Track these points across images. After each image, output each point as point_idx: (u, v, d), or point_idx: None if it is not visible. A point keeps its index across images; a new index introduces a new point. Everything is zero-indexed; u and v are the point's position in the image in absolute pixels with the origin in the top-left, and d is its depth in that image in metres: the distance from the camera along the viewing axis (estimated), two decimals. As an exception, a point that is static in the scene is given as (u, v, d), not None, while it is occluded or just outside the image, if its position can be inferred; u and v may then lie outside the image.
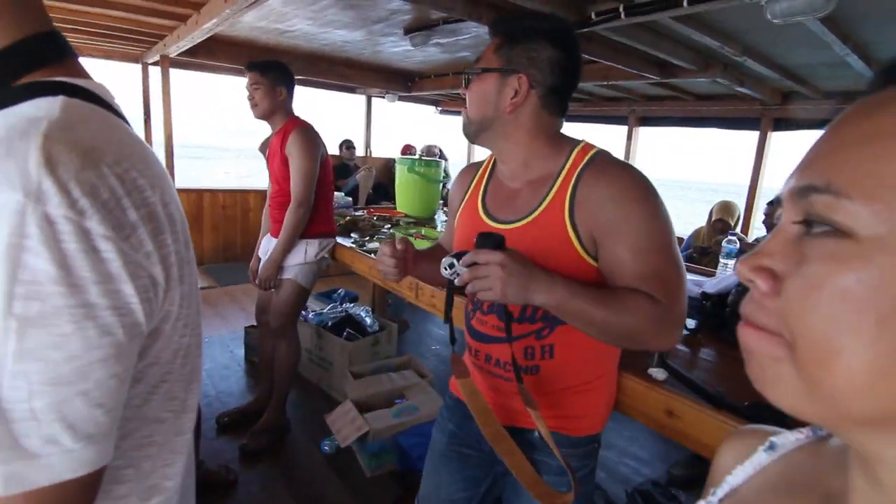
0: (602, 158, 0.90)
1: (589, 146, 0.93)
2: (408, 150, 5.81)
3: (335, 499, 2.03)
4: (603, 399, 1.02)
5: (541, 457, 0.99)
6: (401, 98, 5.64)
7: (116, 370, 0.41)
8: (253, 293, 2.36)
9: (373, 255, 2.22)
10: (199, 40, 3.10)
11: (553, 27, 0.91)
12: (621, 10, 1.96)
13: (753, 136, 3.95)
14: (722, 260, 2.09)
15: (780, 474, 0.40)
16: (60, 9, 2.82)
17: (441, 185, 3.48)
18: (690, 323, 1.49)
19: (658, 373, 1.12)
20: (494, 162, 1.06)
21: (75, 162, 0.38)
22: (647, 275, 0.83)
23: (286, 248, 2.18)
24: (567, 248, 0.88)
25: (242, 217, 5.42)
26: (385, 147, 7.70)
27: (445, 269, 0.82)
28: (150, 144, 4.13)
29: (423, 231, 2.61)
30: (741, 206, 3.50)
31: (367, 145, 6.44)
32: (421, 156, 4.78)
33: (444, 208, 3.60)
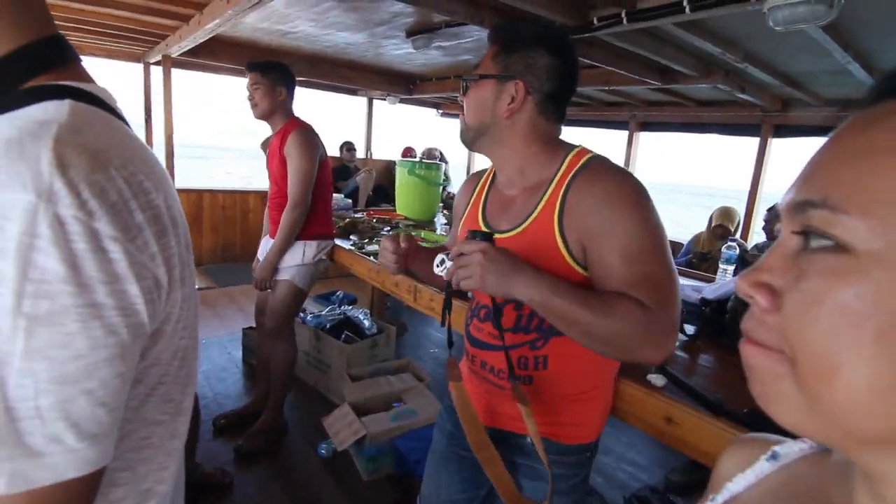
0: (595, 164, 0.89)
1: (584, 152, 0.91)
2: (408, 152, 5.82)
3: (332, 503, 2.02)
4: (598, 409, 1.00)
5: (532, 462, 0.99)
6: (402, 100, 5.65)
7: (120, 370, 0.41)
8: (251, 294, 2.36)
9: (372, 258, 2.22)
10: (201, 41, 3.11)
11: (550, 35, 0.92)
12: (623, 15, 1.97)
13: (754, 141, 3.96)
14: (721, 266, 2.09)
15: (783, 484, 0.40)
16: (64, 7, 2.82)
17: (441, 188, 3.48)
18: (689, 329, 1.49)
19: (657, 379, 1.12)
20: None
21: (85, 164, 0.39)
22: (637, 280, 0.81)
23: (282, 250, 2.18)
24: (554, 256, 0.87)
25: (242, 218, 5.42)
26: (386, 149, 7.71)
27: (437, 265, 0.84)
28: (151, 144, 4.16)
29: (423, 234, 2.60)
30: (741, 211, 3.50)
31: (368, 147, 6.45)
32: (421, 158, 4.78)
33: (444, 211, 3.60)
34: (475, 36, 2.77)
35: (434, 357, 3.53)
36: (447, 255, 0.84)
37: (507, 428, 1.01)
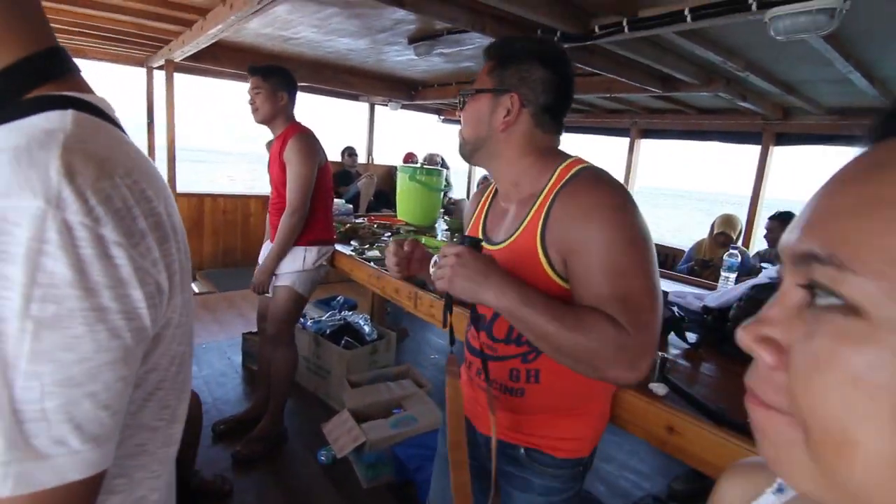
0: (584, 175, 0.87)
1: (576, 163, 0.90)
2: (410, 158, 5.83)
3: (330, 509, 2.01)
4: (592, 424, 0.99)
5: (524, 474, 0.99)
6: (404, 106, 5.67)
7: (123, 373, 0.42)
8: (252, 299, 2.36)
9: (372, 264, 2.22)
10: (203, 46, 3.12)
11: (544, 49, 0.93)
12: (624, 23, 1.98)
13: (755, 148, 3.97)
14: (723, 273, 2.09)
15: None
16: (67, 12, 2.84)
17: (442, 193, 3.48)
18: (691, 337, 1.48)
19: (659, 388, 1.11)
20: None
21: (92, 172, 0.40)
22: (611, 297, 0.78)
23: (279, 255, 2.17)
24: (536, 270, 0.87)
25: (243, 222, 5.42)
26: (387, 155, 7.73)
27: (432, 265, 0.87)
28: (153, 148, 4.15)
29: (424, 239, 2.60)
30: (742, 218, 3.51)
31: (370, 153, 6.46)
32: (423, 164, 4.79)
33: (445, 217, 3.60)
34: (477, 43, 2.79)
35: (434, 363, 3.52)
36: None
37: (502, 438, 1.01)
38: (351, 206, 3.95)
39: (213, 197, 5.27)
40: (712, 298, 1.64)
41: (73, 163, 0.40)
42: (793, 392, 0.25)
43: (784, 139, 3.86)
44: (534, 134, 0.94)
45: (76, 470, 0.39)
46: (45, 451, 0.38)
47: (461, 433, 0.96)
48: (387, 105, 5.75)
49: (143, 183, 0.45)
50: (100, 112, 0.47)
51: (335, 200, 2.74)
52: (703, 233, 3.53)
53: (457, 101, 1.02)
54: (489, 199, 1.08)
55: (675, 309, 1.53)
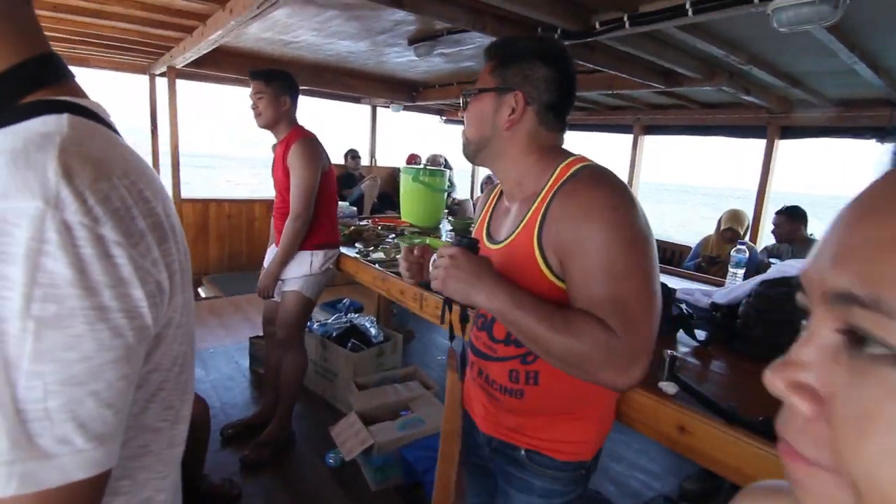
0: (583, 174, 0.86)
1: (577, 161, 0.89)
2: (413, 159, 5.83)
3: (339, 513, 2.01)
4: (594, 428, 0.98)
5: (526, 476, 0.98)
6: (405, 108, 5.67)
7: (125, 372, 0.42)
8: (258, 303, 2.36)
9: (377, 266, 2.21)
10: (205, 51, 3.13)
11: (545, 47, 0.93)
12: (625, 19, 1.96)
13: (760, 143, 3.93)
14: (731, 269, 2.07)
15: None
16: (70, 21, 2.86)
17: (446, 194, 3.47)
18: (700, 334, 1.47)
19: (668, 387, 1.10)
20: None
21: (90, 173, 0.40)
22: (604, 301, 0.77)
23: (284, 260, 2.17)
24: (533, 270, 0.86)
25: (248, 227, 5.44)
26: (390, 156, 7.74)
27: (430, 266, 0.90)
28: (157, 154, 4.18)
29: (428, 240, 2.59)
30: (749, 213, 3.48)
31: (372, 155, 6.46)
32: (426, 165, 4.78)
33: (449, 217, 3.59)
34: (477, 43, 2.78)
35: (441, 364, 3.51)
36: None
37: (503, 438, 1.01)
38: (355, 208, 3.96)
39: (218, 202, 5.29)
40: (720, 295, 1.62)
41: (71, 164, 0.40)
42: (839, 450, 0.23)
43: (789, 132, 3.83)
44: (538, 132, 0.94)
45: (81, 469, 0.39)
46: (49, 451, 0.38)
47: (454, 424, 0.97)
48: (388, 107, 5.75)
49: (141, 184, 0.46)
50: (95, 116, 0.48)
51: (339, 203, 2.73)
52: (707, 228, 3.51)
53: (459, 101, 1.02)
54: (495, 199, 1.08)
55: (684, 306, 1.51)
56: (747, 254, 2.09)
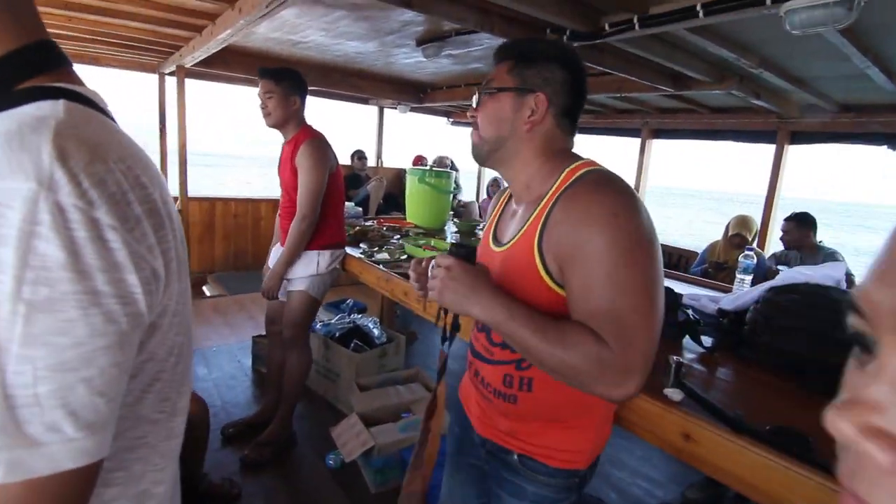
0: (589, 178, 0.84)
1: (583, 165, 0.88)
2: (419, 160, 5.82)
3: (339, 514, 1.99)
4: (588, 438, 0.96)
5: (517, 480, 0.97)
6: (412, 109, 5.67)
7: (118, 359, 0.41)
8: (262, 302, 2.36)
9: (381, 266, 2.20)
10: (214, 51, 3.14)
11: (563, 50, 0.93)
12: (635, 21, 1.95)
13: (769, 147, 3.89)
14: (739, 275, 2.04)
15: None
16: (82, 20, 2.88)
17: (451, 196, 3.46)
18: (707, 341, 1.44)
19: (674, 393, 1.08)
20: None
21: (85, 156, 0.40)
22: (597, 312, 0.76)
23: (289, 261, 2.16)
24: (533, 275, 0.85)
25: (254, 226, 5.45)
26: (396, 157, 7.73)
27: (430, 270, 0.89)
28: (165, 153, 4.21)
29: (433, 242, 2.58)
30: (757, 219, 3.44)
31: (379, 156, 6.47)
32: (432, 167, 4.78)
33: (455, 220, 3.58)
34: (485, 44, 2.77)
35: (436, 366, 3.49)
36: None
37: (497, 441, 1.00)
38: (360, 208, 3.95)
39: (225, 201, 5.31)
40: (728, 301, 1.60)
41: (66, 146, 0.39)
42: None
43: (799, 137, 3.78)
44: (554, 135, 0.93)
45: (71, 458, 0.38)
46: (38, 438, 0.37)
47: (435, 425, 1.00)
48: (396, 108, 5.75)
49: (138, 169, 0.45)
50: (91, 104, 0.47)
51: (345, 203, 2.72)
52: (711, 232, 3.48)
53: (466, 103, 1.01)
54: (505, 201, 1.07)
55: (690, 312, 1.49)
56: (755, 260, 2.06)
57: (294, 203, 2.17)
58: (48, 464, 0.37)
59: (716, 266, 3.15)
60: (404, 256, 2.41)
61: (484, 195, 5.93)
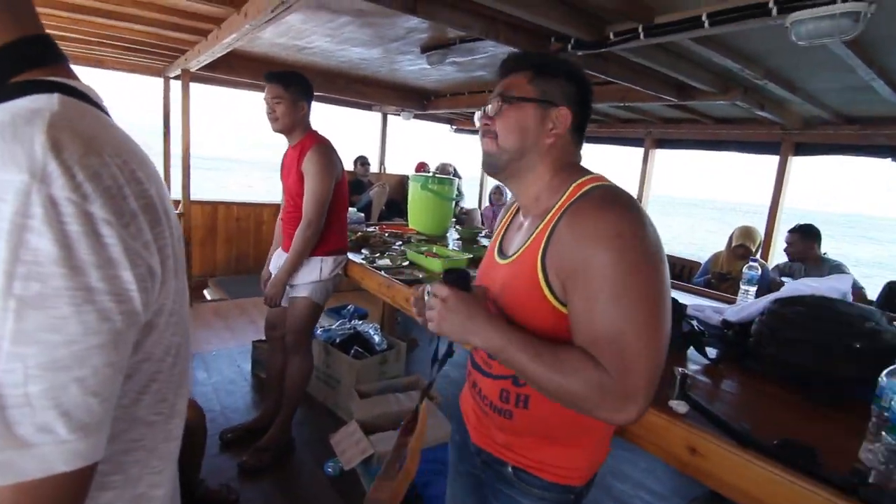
0: (595, 194, 0.82)
1: (591, 180, 0.87)
2: (422, 167, 5.84)
3: (337, 523, 1.97)
4: (585, 456, 0.94)
5: (513, 493, 0.96)
6: (416, 116, 5.69)
7: (113, 358, 0.40)
8: (263, 306, 2.34)
9: (382, 273, 2.19)
10: (219, 55, 3.15)
11: (574, 66, 0.94)
12: (640, 30, 1.95)
13: (773, 159, 3.89)
14: (743, 287, 2.02)
15: None
16: (87, 23, 2.89)
17: (454, 203, 3.46)
18: (711, 352, 1.43)
19: (679, 406, 1.06)
20: None
21: (79, 148, 0.39)
22: (599, 336, 0.75)
23: (293, 269, 2.15)
24: (535, 291, 0.84)
25: (256, 230, 5.45)
26: (399, 164, 7.75)
27: (424, 297, 0.90)
28: (169, 156, 4.21)
29: (435, 249, 2.57)
30: (759, 228, 3.43)
31: (382, 162, 6.48)
32: (435, 173, 4.78)
33: (457, 226, 3.57)
34: (489, 52, 2.77)
35: (444, 375, 3.46)
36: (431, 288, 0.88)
37: (493, 452, 0.99)
38: (363, 214, 3.95)
39: (227, 205, 5.31)
40: (732, 312, 1.58)
41: (60, 138, 0.38)
42: None
43: (803, 149, 3.78)
44: (568, 149, 0.93)
45: (63, 461, 0.37)
46: (29, 440, 0.36)
47: (422, 442, 1.01)
48: (399, 115, 5.77)
49: (133, 164, 0.44)
50: (87, 99, 0.47)
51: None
52: (712, 241, 3.48)
53: (473, 110, 1.00)
54: (513, 214, 1.06)
55: (695, 323, 1.48)
56: (759, 271, 2.05)
57: (297, 208, 2.16)
58: (40, 466, 0.36)
59: (719, 277, 3.13)
60: (406, 263, 2.40)
61: (486, 202, 5.93)
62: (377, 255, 2.51)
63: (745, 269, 2.04)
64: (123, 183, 0.42)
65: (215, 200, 5.30)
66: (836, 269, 2.87)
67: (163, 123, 4.45)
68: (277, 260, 2.34)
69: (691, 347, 1.45)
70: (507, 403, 0.93)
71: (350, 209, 3.52)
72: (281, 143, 2.28)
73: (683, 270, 4.43)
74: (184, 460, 0.58)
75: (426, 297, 0.88)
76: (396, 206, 5.72)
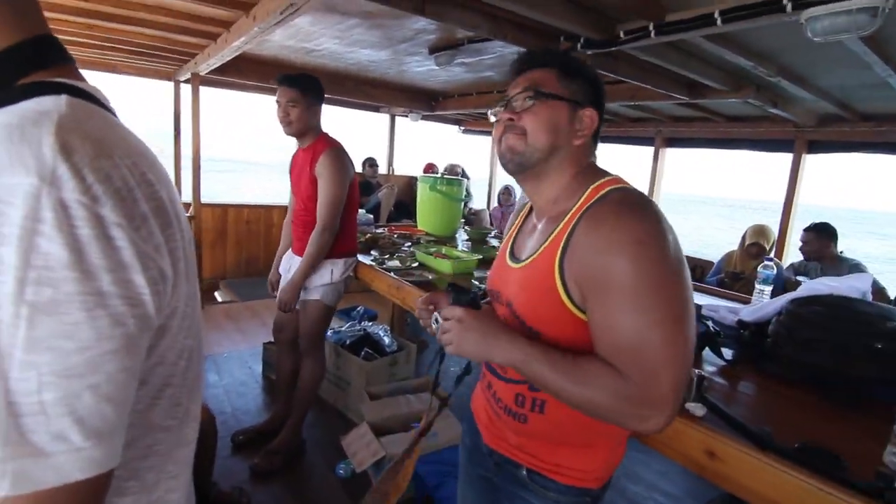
0: (613, 197, 0.80)
1: (609, 182, 0.84)
2: (430, 168, 5.84)
3: (348, 525, 1.97)
4: (601, 458, 0.92)
5: (527, 496, 0.95)
6: (424, 117, 5.69)
7: (126, 364, 0.40)
8: (274, 308, 2.34)
9: (392, 274, 2.19)
10: (228, 58, 3.17)
11: (591, 68, 0.93)
12: (651, 28, 1.93)
13: (786, 156, 3.84)
14: (758, 286, 1.99)
15: None
16: (98, 27, 2.92)
17: (462, 204, 3.45)
18: (727, 353, 1.41)
19: (696, 408, 1.04)
20: None
21: (89, 150, 0.38)
22: (619, 345, 0.73)
23: (307, 273, 2.13)
24: (553, 297, 0.81)
25: (266, 232, 5.48)
26: (407, 165, 7.75)
27: (433, 322, 0.91)
28: (180, 159, 4.23)
29: (444, 250, 2.56)
30: (773, 226, 3.38)
31: (390, 163, 6.49)
32: (443, 174, 4.78)
33: (466, 227, 3.56)
34: (497, 52, 2.76)
35: (454, 376, 3.46)
36: (440, 313, 0.88)
37: (506, 454, 0.98)
38: (371, 216, 3.96)
39: (237, 207, 5.34)
40: (748, 312, 1.56)
41: (69, 140, 0.38)
42: None
43: (817, 146, 3.73)
44: (589, 150, 0.92)
45: (79, 469, 0.37)
46: (44, 448, 0.35)
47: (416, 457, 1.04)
48: (407, 116, 5.77)
49: (144, 166, 0.43)
50: (94, 100, 0.46)
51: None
52: (721, 239, 3.45)
53: (483, 110, 0.99)
54: (524, 217, 1.04)
55: (710, 323, 1.46)
56: (774, 270, 2.02)
57: (308, 211, 2.15)
58: (56, 475, 0.36)
59: (732, 276, 3.09)
60: (415, 264, 2.40)
61: (495, 203, 5.91)
62: (386, 256, 2.51)
63: (760, 269, 2.01)
64: (134, 185, 0.41)
65: (225, 203, 5.33)
66: (856, 268, 2.82)
67: (174, 127, 4.49)
68: (287, 262, 2.34)
69: (706, 348, 1.43)
70: (523, 408, 0.92)
71: (359, 211, 3.53)
72: (289, 145, 2.28)
73: (696, 270, 4.38)
74: (195, 463, 0.58)
75: (434, 325, 0.89)
76: (405, 207, 5.73)
